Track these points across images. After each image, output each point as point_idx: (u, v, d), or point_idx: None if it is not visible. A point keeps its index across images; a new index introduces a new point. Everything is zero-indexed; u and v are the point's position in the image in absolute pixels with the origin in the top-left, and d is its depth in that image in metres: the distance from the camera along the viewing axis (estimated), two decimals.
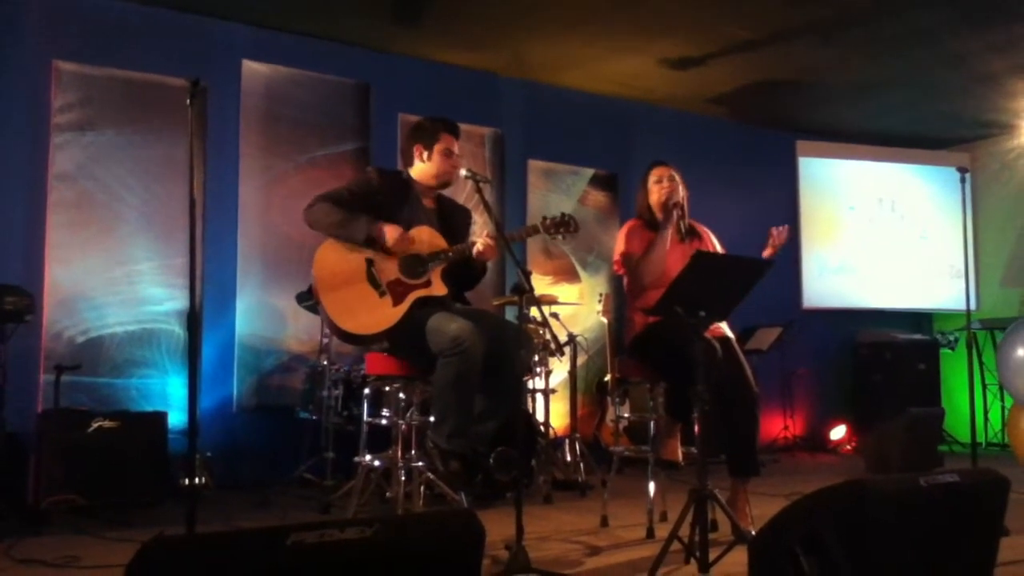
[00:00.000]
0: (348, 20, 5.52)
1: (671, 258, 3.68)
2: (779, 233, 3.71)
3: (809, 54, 6.04)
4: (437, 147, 3.54)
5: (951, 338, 7.38)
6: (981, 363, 6.85)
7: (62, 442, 4.06)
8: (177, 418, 4.79)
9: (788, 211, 7.59)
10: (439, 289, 3.37)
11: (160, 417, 4.47)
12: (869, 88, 6.73)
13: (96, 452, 4.11)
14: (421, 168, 3.58)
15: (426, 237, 3.43)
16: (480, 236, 3.40)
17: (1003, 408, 6.94)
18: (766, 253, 3.67)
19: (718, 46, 5.90)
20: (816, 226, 7.67)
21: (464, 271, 3.50)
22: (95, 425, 4.16)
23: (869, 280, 7.76)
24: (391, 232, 3.31)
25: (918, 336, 7.75)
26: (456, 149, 3.59)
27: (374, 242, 3.31)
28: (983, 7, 5.24)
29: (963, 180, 4.31)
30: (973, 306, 6.18)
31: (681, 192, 3.86)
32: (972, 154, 7.93)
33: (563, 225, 3.40)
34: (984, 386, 7.08)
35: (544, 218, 3.42)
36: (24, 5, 4.87)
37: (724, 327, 3.77)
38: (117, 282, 5.07)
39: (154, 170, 5.21)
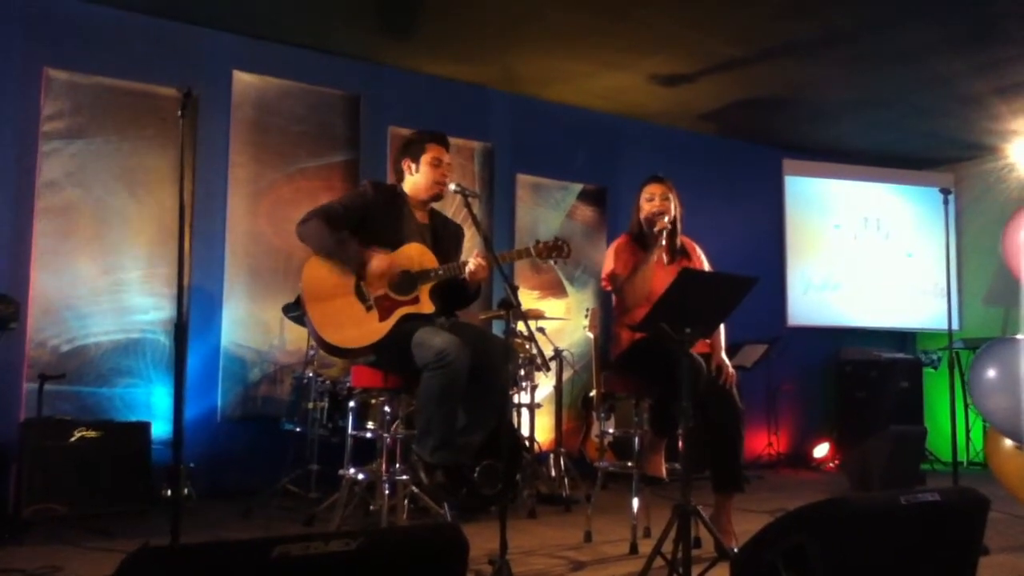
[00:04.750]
0: (339, 31, 5.54)
1: (657, 279, 3.67)
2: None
3: (796, 72, 6.10)
4: (424, 158, 3.55)
5: (934, 357, 7.43)
6: (964, 382, 6.90)
7: (44, 451, 4.05)
8: (161, 428, 4.77)
9: (774, 228, 7.66)
10: (426, 307, 3.38)
11: (143, 427, 4.46)
12: (855, 107, 6.80)
13: (78, 461, 4.10)
14: (412, 182, 3.58)
15: (416, 254, 3.44)
16: (472, 252, 3.40)
17: (985, 427, 6.99)
18: None
19: (707, 63, 5.96)
20: (801, 244, 7.73)
21: (454, 291, 3.50)
22: (77, 434, 4.15)
23: (854, 298, 7.82)
24: (378, 266, 3.31)
25: (901, 355, 7.80)
26: (445, 159, 3.58)
27: (362, 270, 3.32)
28: (968, 29, 5.31)
29: (946, 201, 4.36)
30: (956, 325, 6.23)
31: (673, 211, 3.84)
32: (956, 175, 8.01)
33: (556, 250, 3.40)
34: (966, 405, 7.12)
35: (537, 242, 3.43)
36: (15, 12, 4.86)
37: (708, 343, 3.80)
38: (103, 291, 5.05)
39: (142, 179, 5.21)
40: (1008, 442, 4.80)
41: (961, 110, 6.66)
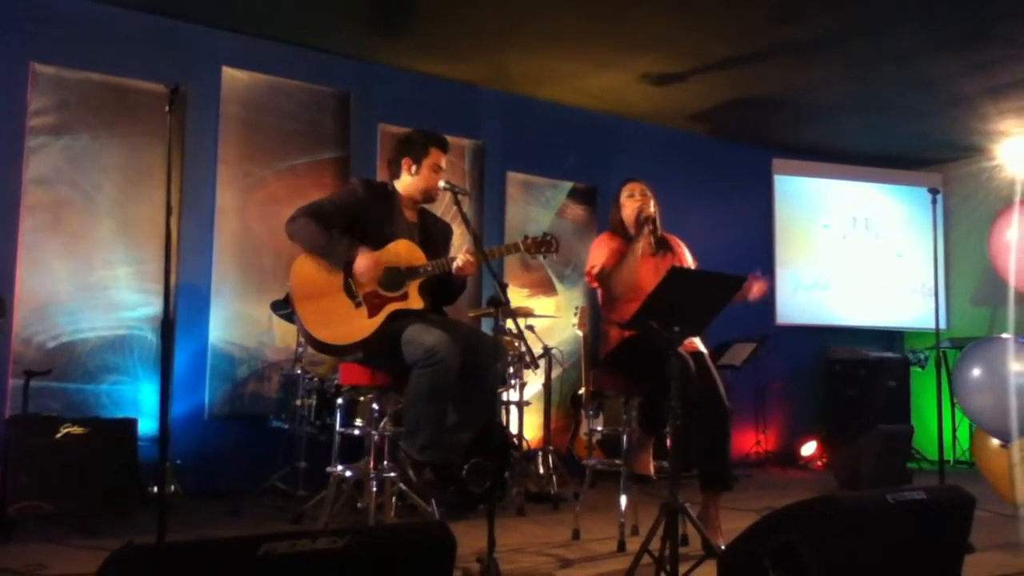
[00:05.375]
0: (330, 29, 5.52)
1: (643, 270, 3.73)
2: (757, 287, 3.66)
3: (787, 73, 6.11)
4: (426, 162, 3.54)
5: (921, 356, 7.46)
6: (950, 381, 6.93)
7: (29, 448, 4.01)
8: (148, 425, 4.75)
9: (764, 227, 7.67)
10: (415, 303, 3.37)
11: (130, 424, 4.43)
12: (845, 107, 6.82)
13: (64, 458, 4.06)
14: (408, 182, 3.57)
15: (405, 251, 3.43)
16: (459, 250, 3.40)
17: (971, 426, 7.02)
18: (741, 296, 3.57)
19: (698, 63, 5.96)
20: (791, 243, 7.75)
21: (443, 286, 3.50)
22: (63, 431, 4.11)
23: (842, 297, 7.85)
24: (363, 265, 3.29)
25: (889, 354, 7.83)
26: (444, 164, 3.60)
27: (348, 268, 3.31)
28: (957, 30, 5.33)
29: (934, 201, 4.38)
30: (943, 325, 6.25)
31: (652, 206, 3.91)
32: (945, 175, 8.04)
33: (544, 245, 3.41)
34: (953, 404, 7.15)
35: (525, 237, 3.43)
36: (1, 6, 4.83)
37: (698, 342, 3.81)
38: (90, 287, 5.02)
39: (130, 175, 5.18)
40: (994, 441, 4.82)
41: (950, 111, 6.69)
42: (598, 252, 3.88)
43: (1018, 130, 7.04)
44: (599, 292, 3.95)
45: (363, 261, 3.30)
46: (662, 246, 3.95)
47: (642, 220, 3.82)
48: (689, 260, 4.03)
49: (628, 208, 3.91)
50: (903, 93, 6.40)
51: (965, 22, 5.20)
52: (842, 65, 5.93)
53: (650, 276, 3.52)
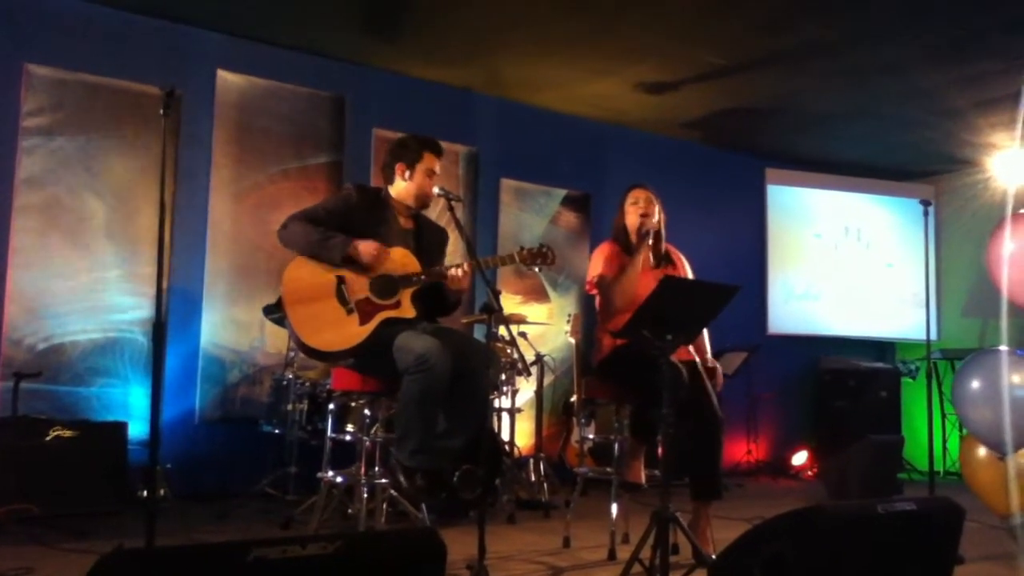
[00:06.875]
0: (325, 32, 5.52)
1: (643, 283, 3.68)
2: None
3: (780, 83, 6.14)
4: (419, 167, 3.53)
5: (912, 367, 7.48)
6: (941, 393, 6.95)
7: (18, 451, 4.00)
8: (138, 428, 4.73)
9: (756, 236, 7.69)
10: (408, 311, 3.36)
11: (120, 427, 4.42)
12: (837, 118, 6.85)
13: (53, 461, 4.05)
14: (402, 187, 3.56)
15: (399, 258, 3.42)
16: (454, 256, 3.39)
17: (961, 437, 7.04)
18: None
19: (691, 72, 5.98)
20: (783, 252, 7.77)
21: (437, 298, 3.49)
22: (53, 434, 4.10)
23: (834, 307, 7.87)
24: (367, 249, 3.29)
25: (880, 364, 7.85)
26: (438, 169, 3.58)
27: (351, 261, 3.30)
28: (949, 43, 5.36)
29: (926, 212, 4.39)
30: (934, 336, 6.29)
31: (657, 217, 3.89)
32: (937, 187, 8.08)
33: (540, 256, 3.41)
34: (943, 415, 7.17)
35: (521, 248, 3.43)
36: None
37: (691, 351, 3.81)
38: (81, 289, 5.01)
39: (124, 177, 5.17)
40: (982, 451, 4.83)
41: (942, 123, 6.72)
42: (601, 261, 3.87)
43: (1008, 143, 7.08)
44: (597, 300, 3.94)
45: (366, 245, 3.28)
46: (664, 260, 3.94)
47: (643, 233, 3.81)
48: (689, 275, 4.01)
49: (631, 216, 3.89)
50: (895, 104, 6.44)
51: (956, 34, 5.23)
52: (834, 75, 5.96)
53: (649, 289, 3.52)
